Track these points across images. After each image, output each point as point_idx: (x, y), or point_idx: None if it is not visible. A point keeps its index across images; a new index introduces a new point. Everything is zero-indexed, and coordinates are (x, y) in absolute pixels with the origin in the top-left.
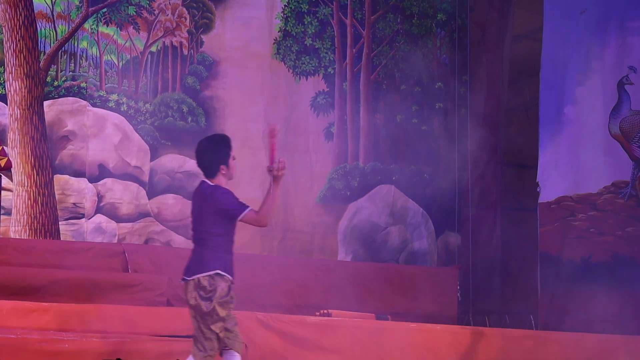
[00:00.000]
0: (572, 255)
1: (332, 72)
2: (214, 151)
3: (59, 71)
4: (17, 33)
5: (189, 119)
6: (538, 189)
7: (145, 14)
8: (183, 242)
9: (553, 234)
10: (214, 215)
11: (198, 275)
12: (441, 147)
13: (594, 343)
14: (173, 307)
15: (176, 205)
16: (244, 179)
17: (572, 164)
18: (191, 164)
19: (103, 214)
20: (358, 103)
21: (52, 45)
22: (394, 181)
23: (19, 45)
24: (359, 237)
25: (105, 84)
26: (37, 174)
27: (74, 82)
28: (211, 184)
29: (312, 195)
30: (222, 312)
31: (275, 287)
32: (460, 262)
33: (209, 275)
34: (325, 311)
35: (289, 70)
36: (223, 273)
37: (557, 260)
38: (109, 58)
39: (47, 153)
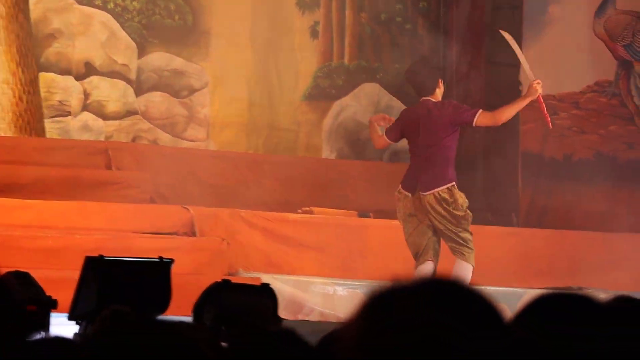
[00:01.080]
0: (554, 153)
1: None
2: (428, 69)
3: None
4: None
5: (176, 16)
6: (520, 87)
7: None
8: (169, 140)
9: (535, 132)
10: (447, 128)
11: (437, 189)
12: (425, 46)
13: (576, 239)
14: (156, 204)
15: (163, 104)
16: (230, 77)
17: (555, 63)
18: (178, 62)
19: (90, 112)
20: (343, 1)
21: None
22: (378, 79)
23: None
24: (344, 135)
25: None
26: (22, 72)
27: None
28: (434, 100)
29: (298, 94)
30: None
31: (259, 184)
32: None
33: (447, 188)
34: (308, 209)
35: None
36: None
37: (539, 158)
38: None
39: (32, 51)
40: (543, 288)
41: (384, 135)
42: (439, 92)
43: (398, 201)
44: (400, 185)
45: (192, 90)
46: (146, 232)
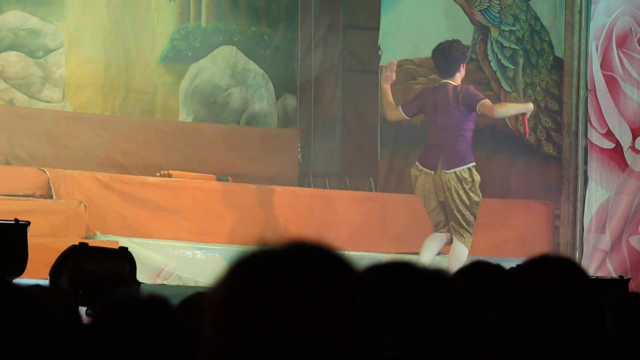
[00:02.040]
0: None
1: None
2: (452, 53)
3: None
4: None
5: None
6: (379, 52)
7: None
8: (25, 101)
9: (394, 97)
10: (464, 111)
11: (459, 168)
12: (282, 7)
13: None
14: (11, 166)
15: (19, 63)
16: (85, 38)
17: (413, 27)
18: (34, 22)
19: None
20: None
21: None
22: (235, 42)
23: None
24: (201, 98)
25: None
26: None
27: None
28: (454, 83)
29: (154, 56)
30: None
31: (116, 147)
32: (301, 124)
33: (468, 168)
34: (166, 172)
35: None
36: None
37: (397, 123)
38: None
39: None
40: (399, 253)
41: (400, 109)
42: (459, 76)
43: (416, 177)
44: (418, 162)
45: (48, 50)
46: (1, 195)
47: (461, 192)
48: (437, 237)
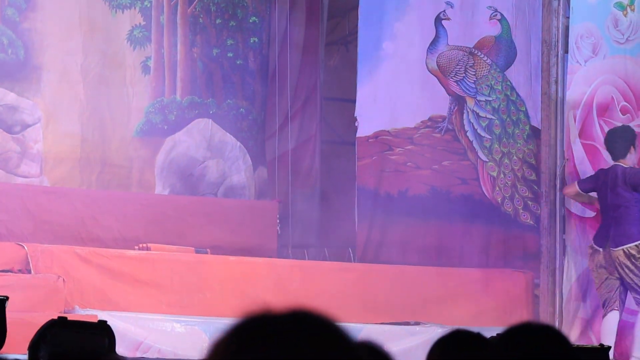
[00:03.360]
0: (389, 188)
1: (148, 5)
2: (624, 137)
3: None
4: None
5: (9, 51)
6: (356, 123)
7: None
8: (3, 176)
9: (371, 168)
10: (632, 191)
11: (626, 246)
12: (257, 81)
13: (412, 274)
14: None
15: None
16: (62, 113)
17: (389, 98)
18: (11, 97)
19: None
20: (175, 37)
21: None
22: (211, 115)
23: None
24: (177, 171)
25: None
26: None
27: None
28: (624, 165)
29: (130, 129)
30: None
31: (94, 221)
32: (279, 196)
33: (636, 245)
34: (144, 245)
35: (105, 3)
36: None
37: (375, 193)
38: None
39: None
40: (381, 323)
41: (576, 184)
42: (630, 157)
43: (590, 255)
44: (592, 240)
45: (25, 126)
46: None
47: (632, 267)
48: (609, 319)
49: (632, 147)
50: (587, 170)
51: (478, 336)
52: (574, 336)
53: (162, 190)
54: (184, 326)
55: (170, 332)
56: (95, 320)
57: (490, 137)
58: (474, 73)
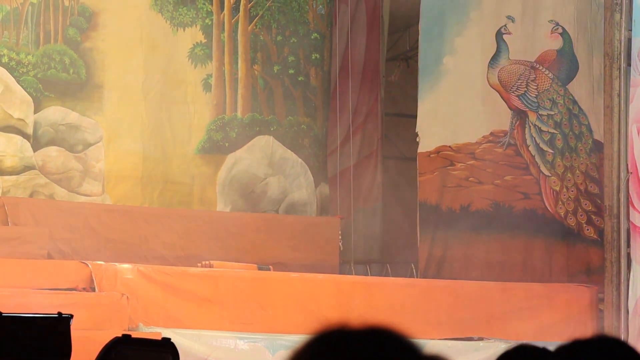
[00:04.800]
0: (451, 203)
1: (209, 23)
2: None
3: None
4: None
5: (71, 71)
6: (417, 139)
7: None
8: (65, 195)
9: (432, 183)
10: None
11: None
12: (319, 97)
13: (475, 289)
14: (53, 259)
15: (59, 158)
16: (123, 131)
17: (451, 113)
18: (73, 116)
19: None
20: (236, 54)
21: None
22: (272, 132)
23: None
24: (238, 189)
25: None
26: None
27: None
28: None
29: (191, 147)
30: None
31: (156, 238)
32: (341, 211)
33: None
34: (207, 262)
35: (166, 22)
36: None
37: (437, 209)
38: None
39: None
40: (444, 339)
41: None
42: None
43: None
44: None
45: (87, 145)
46: (44, 289)
47: None
48: None
49: None
50: None
51: (544, 350)
52: None
53: (223, 208)
54: (247, 343)
55: (233, 349)
56: (159, 338)
57: (552, 151)
58: (535, 87)
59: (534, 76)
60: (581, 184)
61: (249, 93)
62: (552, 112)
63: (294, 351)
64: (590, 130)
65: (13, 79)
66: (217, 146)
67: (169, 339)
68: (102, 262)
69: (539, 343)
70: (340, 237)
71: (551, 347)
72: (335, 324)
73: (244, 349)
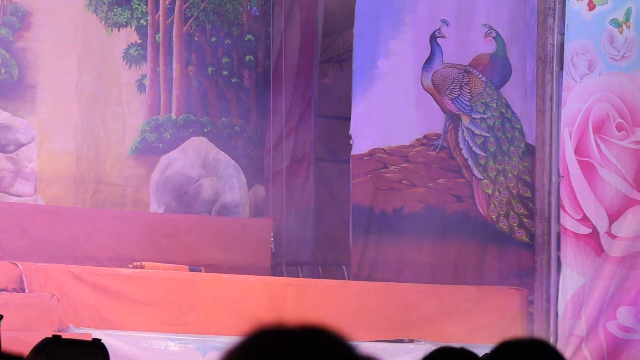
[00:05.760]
0: (384, 206)
1: (144, 24)
2: None
3: None
4: None
5: (3, 70)
6: (351, 141)
7: None
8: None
9: (365, 186)
10: None
11: None
12: (252, 99)
13: (406, 292)
14: None
15: None
16: (56, 131)
17: (384, 116)
18: (5, 117)
19: None
20: (170, 55)
21: None
22: (206, 133)
23: None
24: (171, 190)
25: None
26: None
27: None
28: None
29: (125, 148)
30: None
31: (88, 239)
32: (273, 213)
33: None
34: (139, 263)
35: (101, 22)
36: None
37: (370, 211)
38: None
39: None
40: (375, 341)
41: None
42: None
43: None
44: None
45: (19, 145)
46: None
47: None
48: None
49: None
50: (582, 187)
51: (462, 351)
52: (568, 354)
53: (156, 209)
54: (177, 344)
55: (164, 350)
56: (90, 339)
57: (485, 154)
58: (469, 91)
59: (468, 80)
60: (513, 187)
61: (184, 94)
62: (485, 116)
63: (230, 350)
64: (522, 134)
65: None
66: (151, 147)
67: (100, 340)
68: (32, 263)
69: (469, 346)
70: (272, 239)
71: (480, 350)
72: (271, 323)
73: (174, 350)
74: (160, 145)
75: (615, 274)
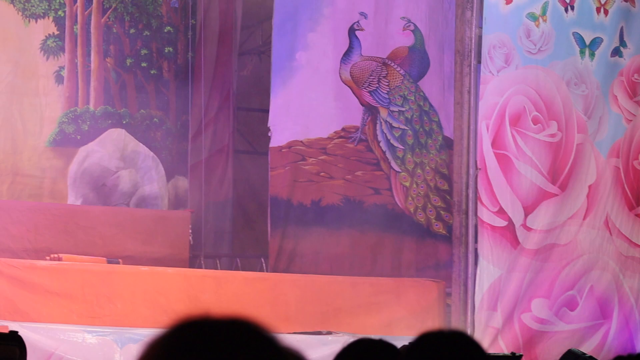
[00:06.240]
0: (302, 198)
1: (62, 15)
2: None
3: None
4: None
5: None
6: (269, 133)
7: None
8: None
9: (284, 178)
10: None
11: None
12: (171, 91)
13: (324, 284)
14: None
15: None
16: None
17: (303, 108)
18: None
19: None
20: (89, 47)
21: None
22: (124, 125)
23: None
24: (89, 181)
25: None
26: None
27: None
28: None
29: (42, 139)
30: None
31: (5, 231)
32: (192, 205)
33: None
34: (56, 255)
35: (18, 13)
36: None
37: (288, 203)
38: None
39: None
40: (293, 333)
41: None
42: None
43: None
44: None
45: None
46: None
47: None
48: None
49: None
50: (499, 179)
51: (381, 342)
52: (485, 345)
53: (74, 201)
54: (95, 337)
55: (81, 342)
56: (6, 331)
57: (403, 147)
58: (387, 83)
59: (386, 72)
60: (431, 180)
61: (102, 86)
62: (403, 109)
63: (154, 341)
64: (440, 127)
65: None
66: (68, 139)
67: (17, 332)
68: None
69: (387, 337)
70: (190, 231)
71: (398, 342)
72: (197, 314)
73: (92, 343)
74: (78, 137)
75: (530, 266)
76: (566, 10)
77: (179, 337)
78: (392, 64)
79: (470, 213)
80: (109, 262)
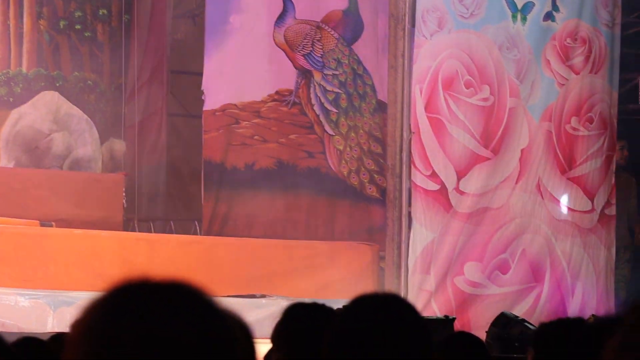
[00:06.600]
0: (235, 162)
1: None
2: None
3: None
4: None
5: None
6: (203, 97)
7: None
8: None
9: (217, 141)
10: None
11: None
12: (106, 53)
13: (258, 247)
14: None
15: None
16: None
17: (237, 72)
18: None
19: None
20: (21, 8)
21: None
22: (57, 87)
23: None
24: (22, 144)
25: None
26: None
27: None
28: None
29: None
30: None
31: None
32: (125, 168)
33: None
34: None
35: None
36: None
37: (221, 167)
38: None
39: None
40: (227, 296)
41: None
42: None
43: None
44: None
45: None
46: None
47: None
48: None
49: None
50: (432, 143)
51: (317, 305)
52: (418, 308)
53: (6, 163)
54: (28, 299)
55: (14, 305)
56: None
57: (336, 110)
58: (321, 47)
59: (320, 36)
60: (364, 143)
61: (35, 48)
62: (337, 72)
63: (92, 304)
64: (374, 91)
65: None
66: (1, 101)
67: None
68: None
69: (321, 300)
70: (124, 194)
71: (333, 305)
72: (136, 278)
73: (24, 306)
74: (11, 99)
75: (463, 229)
76: None
77: (118, 301)
78: (326, 28)
79: (404, 177)
80: (42, 225)
